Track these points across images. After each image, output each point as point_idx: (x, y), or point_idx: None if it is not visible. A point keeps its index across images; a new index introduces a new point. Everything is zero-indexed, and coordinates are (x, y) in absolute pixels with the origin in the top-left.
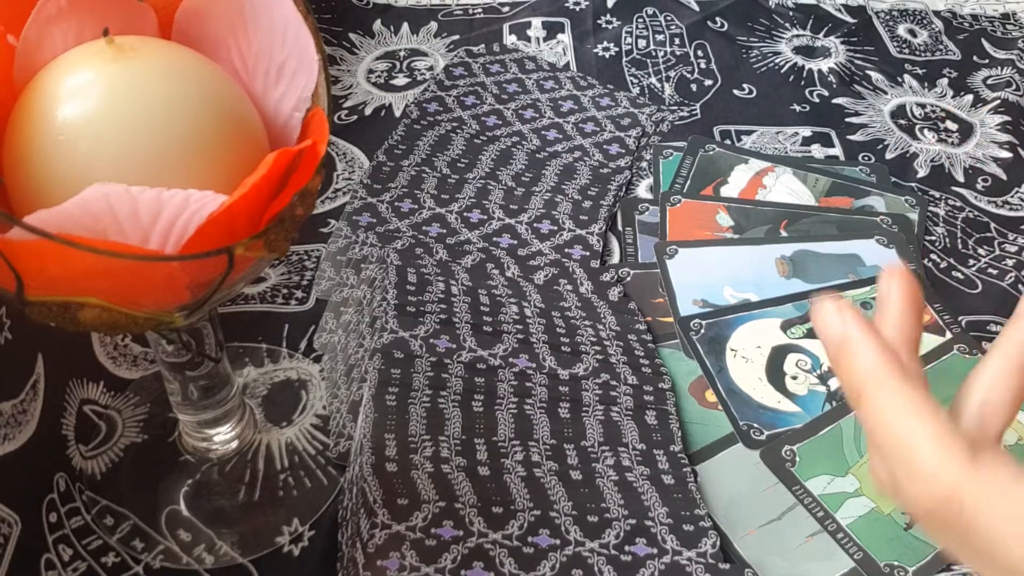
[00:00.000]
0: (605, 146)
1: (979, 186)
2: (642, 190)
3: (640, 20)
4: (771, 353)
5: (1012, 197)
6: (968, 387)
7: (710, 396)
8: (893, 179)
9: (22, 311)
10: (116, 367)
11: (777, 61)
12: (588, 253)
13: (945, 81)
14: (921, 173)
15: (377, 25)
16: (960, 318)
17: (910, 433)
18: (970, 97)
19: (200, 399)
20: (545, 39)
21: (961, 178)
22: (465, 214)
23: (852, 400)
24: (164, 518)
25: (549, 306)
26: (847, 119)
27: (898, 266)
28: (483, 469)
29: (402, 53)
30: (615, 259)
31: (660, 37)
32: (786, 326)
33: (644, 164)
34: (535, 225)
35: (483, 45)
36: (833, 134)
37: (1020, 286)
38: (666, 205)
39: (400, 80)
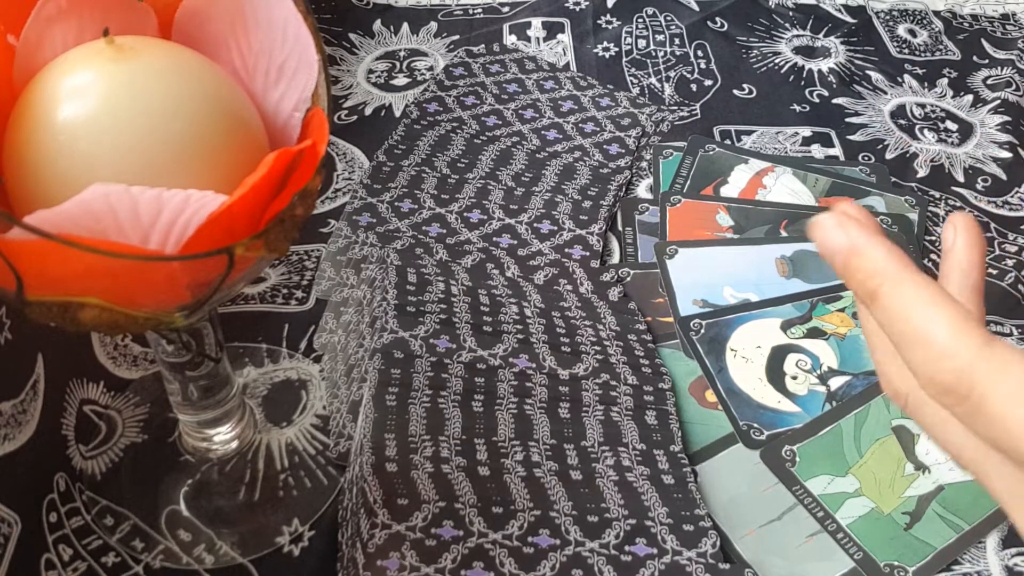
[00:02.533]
0: (605, 146)
1: (979, 186)
2: (642, 190)
3: (640, 20)
4: (771, 353)
5: (1012, 197)
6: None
7: (710, 396)
8: (893, 179)
9: (22, 311)
10: (116, 367)
11: (777, 61)
12: (588, 253)
13: (945, 81)
14: (921, 173)
15: (377, 25)
16: None
17: (928, 319)
18: (970, 97)
19: (200, 399)
20: (545, 39)
21: (961, 178)
22: (465, 214)
23: (868, 301)
24: (164, 518)
25: (549, 306)
26: (847, 119)
27: (962, 217)
28: (483, 469)
29: (402, 53)
30: (615, 259)
31: (660, 37)
32: (786, 326)
33: (644, 164)
34: (535, 225)
35: (483, 45)
36: (833, 134)
37: (1020, 286)
38: (666, 205)
39: (400, 80)
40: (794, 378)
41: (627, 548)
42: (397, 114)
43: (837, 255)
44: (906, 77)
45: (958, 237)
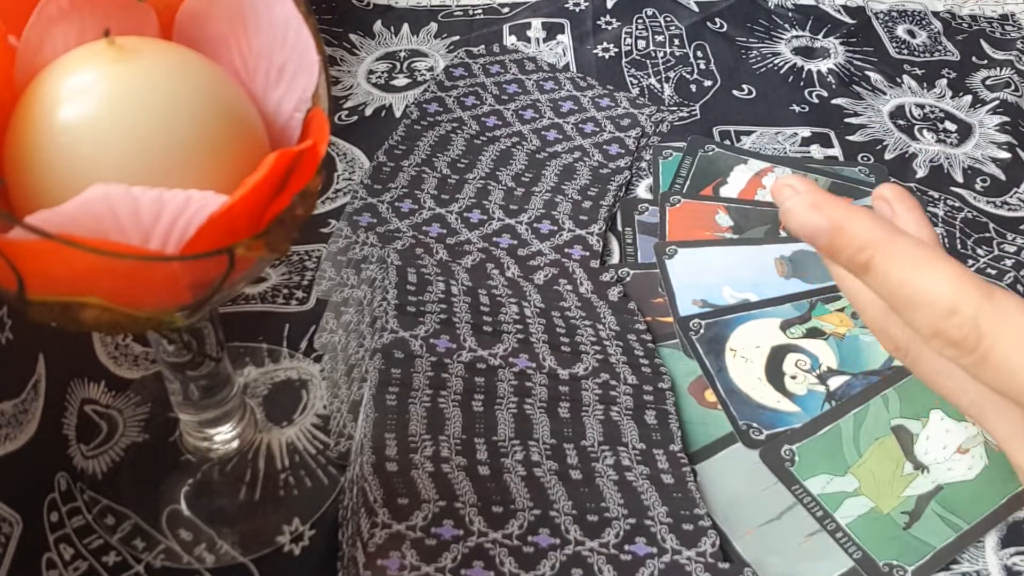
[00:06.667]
0: (605, 146)
1: (978, 186)
2: (642, 190)
3: (640, 21)
4: (770, 353)
5: (1011, 197)
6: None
7: (709, 396)
8: (892, 179)
9: (24, 311)
10: (117, 367)
11: (776, 62)
12: (588, 253)
13: (944, 82)
14: (920, 173)
15: (377, 26)
16: None
17: (928, 280)
18: (969, 98)
19: (201, 399)
20: (545, 40)
21: (960, 178)
22: (465, 214)
23: (860, 272)
24: (165, 517)
25: (549, 306)
26: (846, 120)
27: (888, 189)
28: (483, 469)
29: (402, 54)
30: (615, 259)
31: (660, 38)
32: (785, 326)
33: (644, 164)
34: (535, 225)
35: (483, 46)
36: (832, 134)
37: (1019, 286)
38: (666, 205)
39: (400, 81)
40: (793, 378)
41: (627, 547)
42: (397, 114)
43: (819, 237)
44: (905, 78)
45: (895, 205)
